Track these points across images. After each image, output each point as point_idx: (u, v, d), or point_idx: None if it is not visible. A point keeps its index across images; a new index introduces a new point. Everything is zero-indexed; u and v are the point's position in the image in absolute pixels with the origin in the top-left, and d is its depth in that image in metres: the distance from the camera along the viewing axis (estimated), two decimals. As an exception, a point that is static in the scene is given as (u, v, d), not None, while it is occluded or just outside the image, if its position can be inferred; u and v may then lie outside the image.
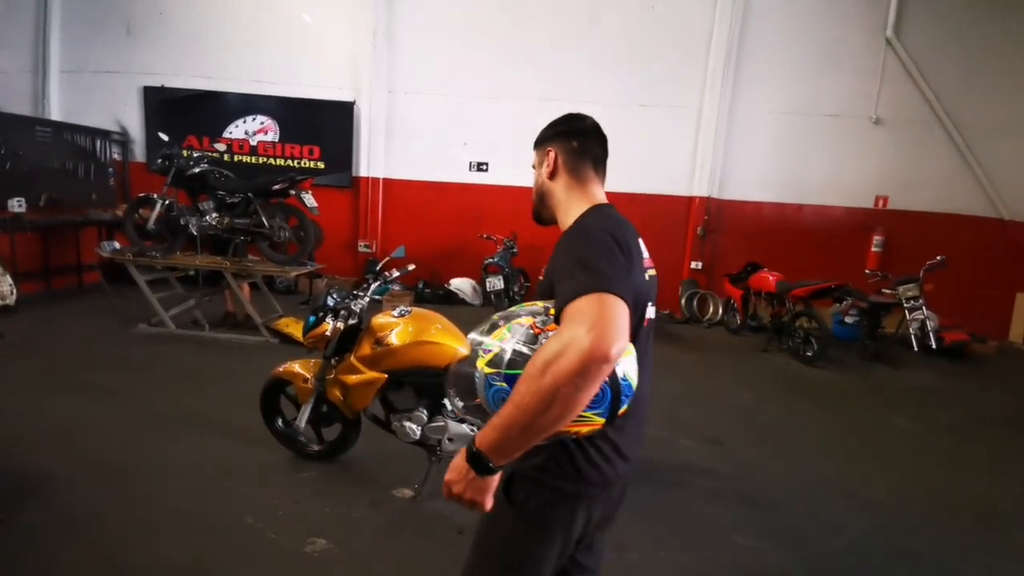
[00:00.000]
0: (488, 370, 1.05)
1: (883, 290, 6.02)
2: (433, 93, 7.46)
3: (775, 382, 5.05)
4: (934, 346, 5.62)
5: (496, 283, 6.15)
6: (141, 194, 5.56)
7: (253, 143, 7.61)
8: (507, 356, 1.03)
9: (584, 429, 1.02)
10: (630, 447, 1.22)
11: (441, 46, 7.34)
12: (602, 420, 1.01)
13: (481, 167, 7.66)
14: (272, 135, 7.60)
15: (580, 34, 7.21)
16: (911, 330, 5.69)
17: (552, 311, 1.06)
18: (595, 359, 0.89)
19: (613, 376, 0.99)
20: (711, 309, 7.37)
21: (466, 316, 5.12)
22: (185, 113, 7.49)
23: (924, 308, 5.66)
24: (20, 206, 5.87)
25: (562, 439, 1.06)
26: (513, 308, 1.12)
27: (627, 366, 1.03)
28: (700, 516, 2.76)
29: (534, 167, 1.36)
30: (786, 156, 7.34)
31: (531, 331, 1.05)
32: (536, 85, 7.32)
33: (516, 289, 6.77)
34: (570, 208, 1.26)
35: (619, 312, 0.95)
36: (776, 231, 7.41)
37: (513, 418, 0.96)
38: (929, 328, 5.63)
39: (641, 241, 1.20)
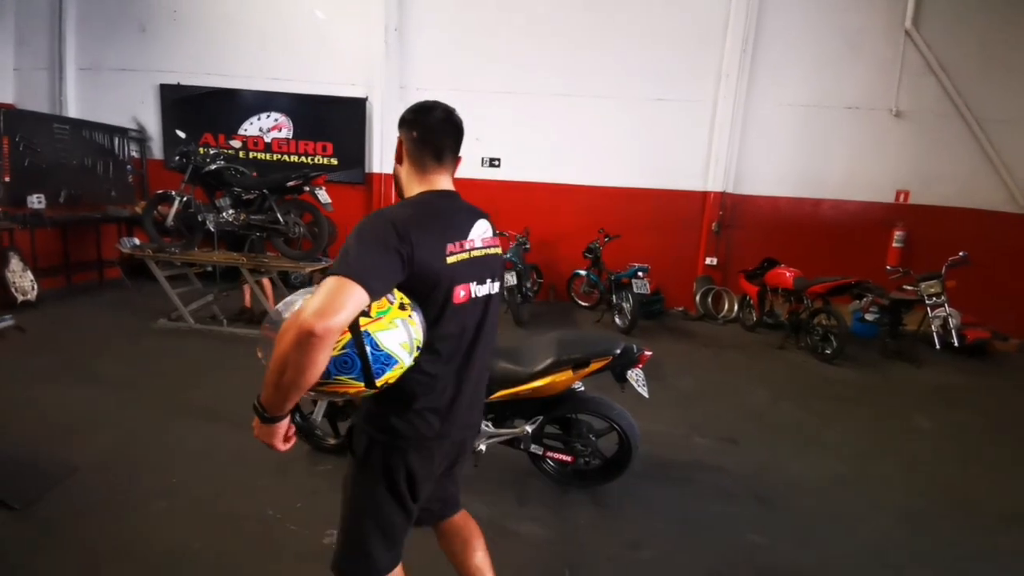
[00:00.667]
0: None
1: (904, 287, 5.90)
2: (445, 89, 7.44)
3: (792, 380, 4.99)
4: (956, 344, 5.50)
5: (509, 279, 6.13)
6: (160, 191, 5.63)
7: (268, 140, 7.67)
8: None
9: (351, 391, 1.21)
10: (450, 411, 1.38)
11: (453, 41, 7.33)
12: (361, 384, 1.20)
13: (493, 163, 7.65)
14: (286, 132, 7.66)
15: (594, 28, 7.15)
16: (933, 327, 5.58)
17: None
18: (304, 332, 1.06)
19: (361, 347, 1.16)
20: (726, 306, 7.30)
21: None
22: (201, 110, 7.57)
23: (946, 305, 5.54)
24: (39, 202, 5.98)
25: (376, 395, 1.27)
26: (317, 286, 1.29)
27: (387, 339, 1.18)
28: (714, 514, 2.74)
29: None
30: (804, 150, 7.23)
31: None
32: (550, 80, 7.29)
33: (529, 285, 6.76)
34: (409, 193, 1.40)
35: (345, 296, 1.09)
36: (793, 226, 7.31)
37: (268, 378, 1.16)
38: (951, 325, 5.51)
39: (480, 224, 1.40)
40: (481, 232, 1.39)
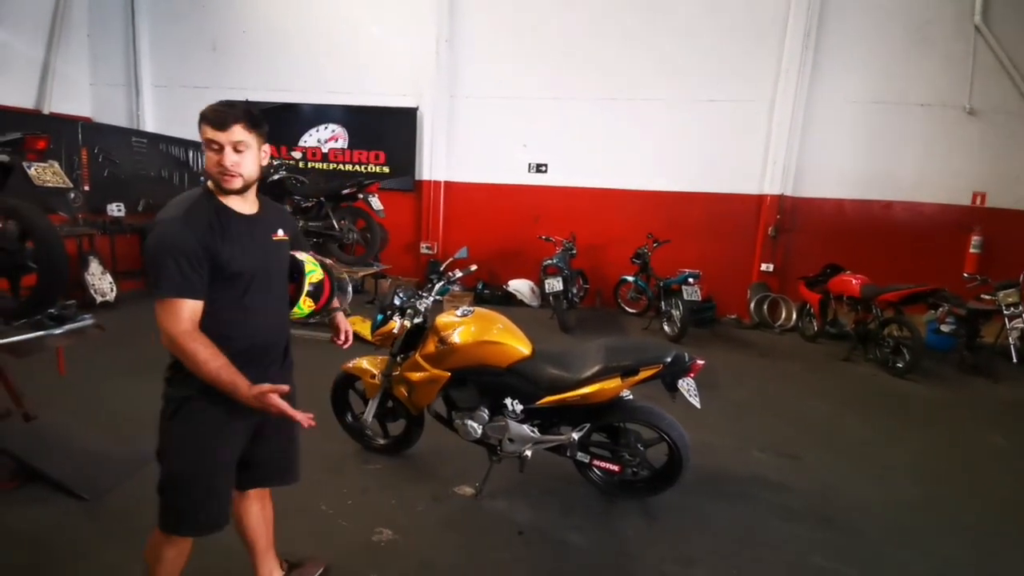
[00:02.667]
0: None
1: (982, 296, 5.46)
2: (493, 96, 7.54)
3: (858, 394, 4.70)
4: None
5: (555, 284, 6.10)
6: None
7: (325, 150, 8.01)
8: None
9: None
10: None
11: (502, 50, 7.41)
12: None
13: (540, 168, 7.66)
14: (342, 142, 7.97)
15: (644, 29, 7.05)
16: (1011, 339, 5.14)
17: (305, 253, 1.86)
18: None
19: None
20: (783, 314, 6.98)
21: (524, 317, 5.12)
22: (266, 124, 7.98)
23: (1024, 316, 5.09)
24: (119, 210, 6.47)
25: None
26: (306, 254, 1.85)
27: None
28: (774, 533, 2.60)
29: (247, 145, 1.53)
30: (871, 149, 6.82)
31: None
32: (597, 84, 7.24)
33: (575, 291, 6.70)
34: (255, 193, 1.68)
35: None
36: (859, 230, 6.91)
37: None
38: (1029, 337, 5.06)
39: None
40: None
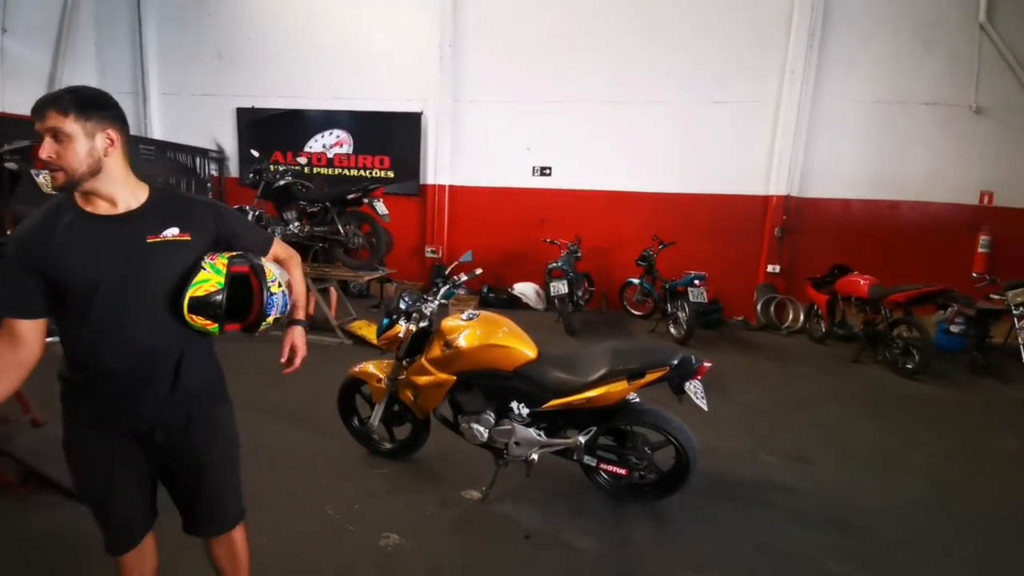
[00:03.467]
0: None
1: (991, 295, 5.41)
2: (497, 101, 7.56)
3: (868, 396, 4.65)
4: None
5: (560, 287, 6.10)
6: (235, 207, 6.02)
7: (330, 156, 8.05)
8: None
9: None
10: None
11: (505, 54, 7.43)
12: None
13: (544, 172, 7.66)
14: (347, 148, 8.01)
15: (646, 32, 7.06)
16: (1020, 340, 5.09)
17: (225, 255, 1.47)
18: None
19: None
20: (790, 316, 6.93)
21: (530, 321, 5.11)
22: (272, 130, 8.05)
23: (1035, 316, 5.04)
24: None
25: None
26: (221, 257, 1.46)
27: None
28: (788, 539, 2.57)
29: (65, 133, 1.29)
30: (877, 149, 6.79)
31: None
32: (599, 87, 7.25)
33: (580, 293, 6.69)
34: (134, 187, 1.45)
35: None
36: (866, 231, 6.86)
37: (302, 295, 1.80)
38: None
39: None
40: None
